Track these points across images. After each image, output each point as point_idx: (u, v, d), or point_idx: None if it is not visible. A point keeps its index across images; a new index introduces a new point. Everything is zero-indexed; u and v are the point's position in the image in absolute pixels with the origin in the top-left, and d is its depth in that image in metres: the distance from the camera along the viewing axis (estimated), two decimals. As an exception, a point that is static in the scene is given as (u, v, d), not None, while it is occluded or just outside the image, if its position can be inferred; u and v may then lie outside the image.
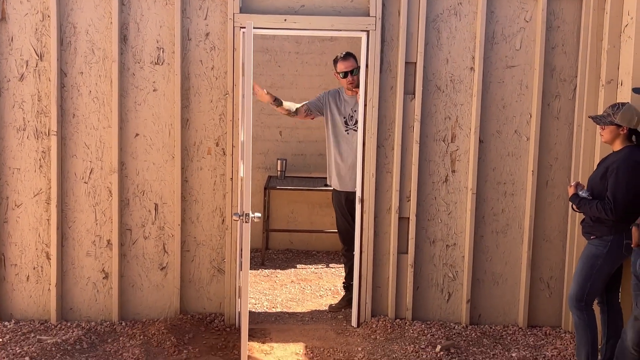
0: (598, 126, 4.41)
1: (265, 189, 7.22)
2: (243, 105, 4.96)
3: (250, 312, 5.66)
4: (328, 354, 4.87)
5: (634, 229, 4.05)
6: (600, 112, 4.97)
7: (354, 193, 5.46)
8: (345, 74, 5.52)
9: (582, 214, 4.45)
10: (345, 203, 5.69)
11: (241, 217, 4.50)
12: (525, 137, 5.28)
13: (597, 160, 4.99)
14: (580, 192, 4.37)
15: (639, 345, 3.84)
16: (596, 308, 4.46)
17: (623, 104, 4.21)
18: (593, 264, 4.27)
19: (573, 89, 5.23)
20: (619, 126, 4.19)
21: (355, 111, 5.53)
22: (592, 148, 5.11)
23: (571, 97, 5.24)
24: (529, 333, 5.28)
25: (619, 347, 4.02)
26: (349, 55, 5.55)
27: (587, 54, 5.10)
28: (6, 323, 5.22)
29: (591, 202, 4.25)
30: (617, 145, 4.26)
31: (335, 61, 5.60)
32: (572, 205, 4.47)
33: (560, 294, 5.39)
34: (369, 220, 5.30)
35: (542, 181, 5.31)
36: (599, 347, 4.48)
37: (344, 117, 5.62)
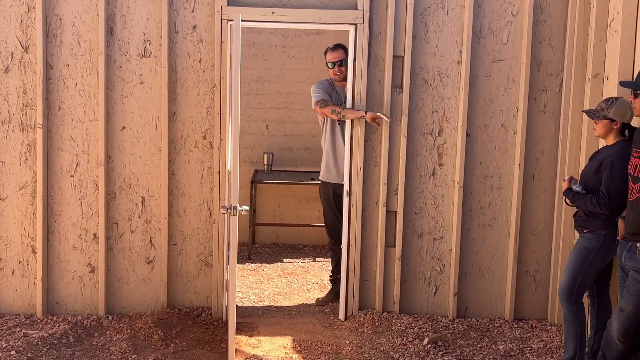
0: (591, 120, 4.43)
1: (251, 182, 7.21)
2: (231, 98, 4.94)
3: (237, 306, 5.65)
4: (316, 347, 4.87)
5: (619, 222, 4.08)
6: (586, 106, 5.00)
7: (341, 187, 5.46)
8: (333, 64, 5.52)
9: (575, 207, 4.47)
10: (332, 196, 5.69)
11: (229, 210, 4.48)
12: (512, 130, 5.31)
13: (583, 154, 5.02)
14: (574, 186, 4.38)
15: (624, 335, 3.87)
16: (585, 300, 4.49)
17: (617, 99, 4.21)
18: (585, 258, 4.29)
19: (559, 83, 5.26)
20: (612, 120, 4.20)
21: (345, 103, 5.52)
22: (578, 142, 5.14)
23: (557, 91, 5.27)
24: (515, 326, 5.31)
25: (605, 338, 4.05)
26: (338, 47, 5.56)
27: (573, 48, 5.13)
28: (-9, 317, 5.20)
29: (585, 196, 4.26)
30: (610, 140, 4.27)
31: (326, 52, 5.61)
32: (565, 200, 4.48)
33: (546, 287, 5.43)
34: (356, 214, 5.30)
35: (528, 175, 5.34)
36: (587, 339, 4.51)
37: (335, 108, 5.62)
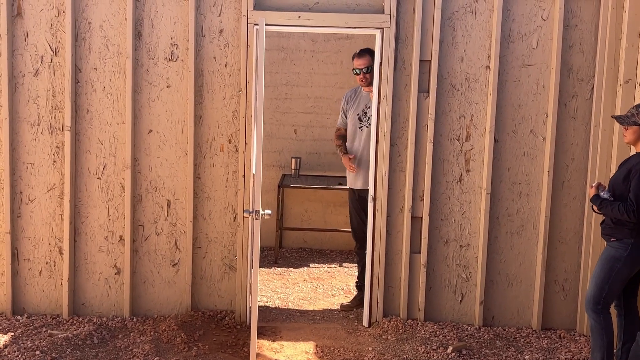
0: (621, 126, 4.32)
1: (279, 187, 7.20)
2: (255, 102, 4.94)
3: (261, 310, 5.64)
4: (338, 354, 4.83)
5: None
6: (617, 112, 4.90)
7: (365, 190, 5.42)
8: (359, 71, 5.48)
9: (602, 215, 4.37)
10: (358, 199, 5.66)
11: (251, 214, 4.48)
12: (541, 137, 5.21)
13: (614, 161, 4.91)
14: (602, 193, 4.28)
15: (652, 349, 3.77)
16: (613, 311, 4.38)
17: None
18: (612, 267, 4.20)
19: (590, 89, 5.15)
20: None
21: (369, 107, 5.49)
22: (609, 149, 5.03)
23: (588, 97, 5.16)
24: (542, 336, 5.21)
25: (633, 350, 3.95)
26: (364, 52, 5.51)
27: (605, 53, 5.02)
28: (18, 317, 5.25)
29: (613, 203, 4.17)
30: None
31: (353, 57, 5.58)
32: (592, 207, 4.39)
33: (575, 296, 5.32)
34: (381, 219, 5.26)
35: (558, 182, 5.23)
36: (614, 350, 4.40)
37: (358, 114, 5.59)
